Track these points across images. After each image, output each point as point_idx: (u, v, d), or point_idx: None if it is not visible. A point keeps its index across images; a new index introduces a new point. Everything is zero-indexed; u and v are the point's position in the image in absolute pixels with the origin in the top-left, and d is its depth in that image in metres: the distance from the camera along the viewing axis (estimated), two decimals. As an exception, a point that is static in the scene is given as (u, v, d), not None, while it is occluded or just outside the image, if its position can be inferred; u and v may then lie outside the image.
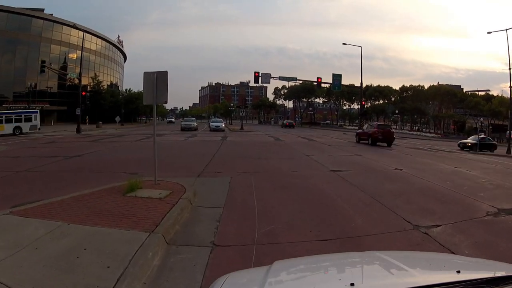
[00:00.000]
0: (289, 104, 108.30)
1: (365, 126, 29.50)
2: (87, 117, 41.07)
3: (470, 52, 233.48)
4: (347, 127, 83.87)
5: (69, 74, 47.32)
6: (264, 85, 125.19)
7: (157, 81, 7.97)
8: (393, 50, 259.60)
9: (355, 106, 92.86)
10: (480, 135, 36.43)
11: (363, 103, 49.02)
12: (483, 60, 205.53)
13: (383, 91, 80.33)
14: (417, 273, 1.64)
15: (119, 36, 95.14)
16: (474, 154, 23.95)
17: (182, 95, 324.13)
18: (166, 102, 8.19)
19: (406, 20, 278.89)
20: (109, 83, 78.48)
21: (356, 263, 2.08)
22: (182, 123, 45.10)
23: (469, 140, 29.66)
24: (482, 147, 27.73)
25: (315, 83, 47.23)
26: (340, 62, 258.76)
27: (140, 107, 76.37)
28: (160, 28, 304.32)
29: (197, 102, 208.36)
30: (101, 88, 69.97)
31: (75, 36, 59.96)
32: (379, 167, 13.03)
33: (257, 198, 7.55)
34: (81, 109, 37.70)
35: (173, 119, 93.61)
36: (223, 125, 44.23)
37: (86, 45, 63.27)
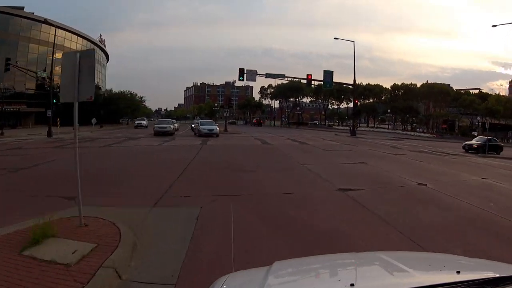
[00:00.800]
0: (276, 104, 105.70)
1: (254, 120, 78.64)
2: (58, 119, 37.30)
3: (456, 51, 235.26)
4: (337, 127, 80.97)
5: (38, 73, 43.28)
6: (250, 84, 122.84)
7: (81, 65, 5.15)
8: (380, 50, 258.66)
9: (344, 105, 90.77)
10: (475, 134, 34.48)
11: (356, 101, 46.48)
12: (470, 59, 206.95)
13: (373, 90, 78.21)
14: (417, 274, 1.58)
15: (101, 35, 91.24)
16: (484, 158, 21.58)
17: (167, 96, 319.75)
18: (91, 99, 5.31)
19: (392, 20, 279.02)
20: (89, 83, 74.51)
21: (356, 263, 1.99)
22: (156, 125, 36.25)
23: (475, 142, 27.01)
24: (489, 149, 25.29)
25: (305, 80, 44.59)
26: (328, 63, 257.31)
27: (121, 107, 71.97)
28: (146, 29, 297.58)
29: (183, 102, 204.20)
30: (79, 88, 65.96)
31: (55, 35, 56.43)
32: (397, 181, 10.32)
33: (237, 249, 4.76)
34: (52, 110, 34.42)
35: (144, 122, 59.95)
36: (218, 129, 33.74)
37: (67, 44, 61.37)
